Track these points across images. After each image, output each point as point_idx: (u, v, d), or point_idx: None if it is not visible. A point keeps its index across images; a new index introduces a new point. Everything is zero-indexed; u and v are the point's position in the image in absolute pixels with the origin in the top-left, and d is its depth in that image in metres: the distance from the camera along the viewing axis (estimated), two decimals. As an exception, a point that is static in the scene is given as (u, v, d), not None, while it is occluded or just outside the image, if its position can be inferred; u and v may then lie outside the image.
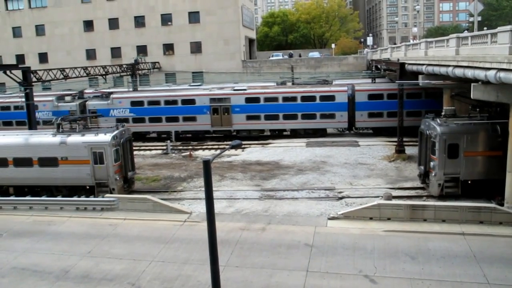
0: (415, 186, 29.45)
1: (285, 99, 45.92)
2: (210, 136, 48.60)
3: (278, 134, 47.78)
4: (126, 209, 26.21)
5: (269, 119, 46.43)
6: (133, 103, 48.97)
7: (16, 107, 51.19)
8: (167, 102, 48.22)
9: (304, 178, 32.26)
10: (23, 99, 51.45)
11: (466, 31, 39.51)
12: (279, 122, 46.45)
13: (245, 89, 47.71)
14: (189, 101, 47.60)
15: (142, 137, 49.13)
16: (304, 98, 45.65)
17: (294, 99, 45.83)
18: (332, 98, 45.23)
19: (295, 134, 46.63)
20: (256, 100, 46.54)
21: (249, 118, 46.73)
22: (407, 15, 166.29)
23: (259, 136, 47.15)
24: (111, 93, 51.26)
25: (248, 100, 46.64)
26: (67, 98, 51.56)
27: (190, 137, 49.22)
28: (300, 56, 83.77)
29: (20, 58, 76.22)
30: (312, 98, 45.53)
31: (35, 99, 51.11)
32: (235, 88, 48.46)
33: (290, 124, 46.46)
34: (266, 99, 46.26)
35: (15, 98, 52.90)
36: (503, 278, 17.06)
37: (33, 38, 77.27)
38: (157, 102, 48.53)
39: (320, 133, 46.41)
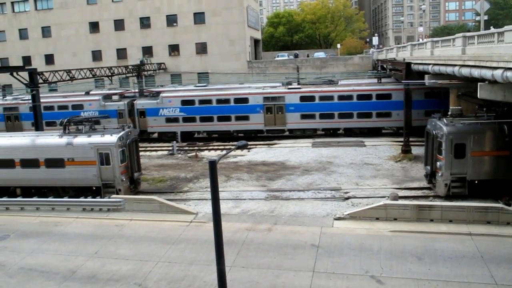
0: (422, 186, 29.33)
1: (341, 97, 45.00)
2: (262, 136, 47.57)
3: (332, 133, 46.97)
4: (132, 210, 26.28)
5: (324, 118, 45.42)
6: (184, 102, 48.04)
7: (60, 107, 50.70)
8: (219, 101, 47.32)
9: (310, 178, 32.22)
10: (66, 99, 51.21)
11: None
12: (334, 121, 45.49)
13: (299, 88, 46.99)
14: (242, 100, 46.76)
15: (191, 137, 48.74)
16: (360, 97, 44.84)
17: (350, 97, 44.94)
18: (388, 96, 44.52)
19: (349, 133, 45.69)
20: (311, 98, 45.64)
21: (303, 117, 45.90)
22: (412, 14, 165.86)
23: (264, 137, 47.02)
24: (159, 92, 50.41)
25: (303, 98, 45.77)
26: (115, 97, 50.75)
27: (196, 137, 49.18)
28: (308, 56, 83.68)
29: (27, 59, 76.75)
30: (369, 97, 44.75)
31: (78, 98, 51.30)
32: (289, 86, 47.60)
33: (345, 123, 45.47)
34: (321, 98, 45.27)
35: (57, 97, 52.71)
36: (511, 279, 16.95)
37: (39, 40, 77.74)
38: (208, 101, 47.64)
39: (375, 132, 45.57)
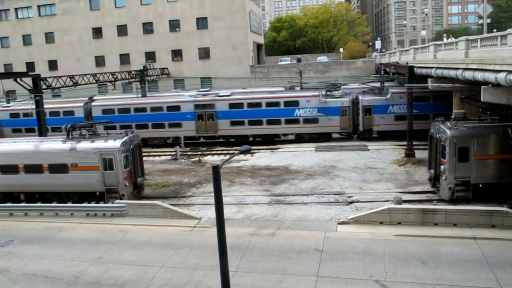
0: (426, 190, 29.26)
1: None
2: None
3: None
4: (136, 215, 26.32)
5: None
6: (417, 99, 41.82)
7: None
8: None
9: (313, 182, 32.17)
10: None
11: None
12: None
13: None
14: None
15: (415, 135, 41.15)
16: None
17: None
18: None
19: None
20: None
21: None
22: (415, 18, 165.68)
23: (268, 142, 46.95)
24: (378, 87, 47.15)
25: None
26: (337, 93, 46.83)
27: (200, 142, 48.97)
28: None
29: (30, 65, 77.03)
30: None
31: (293, 94, 47.18)
32: None
33: None
34: None
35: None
36: (516, 283, 16.86)
37: (43, 46, 78.05)
38: (444, 98, 41.19)
39: None
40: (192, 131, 47.80)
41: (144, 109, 48.82)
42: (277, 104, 46.32)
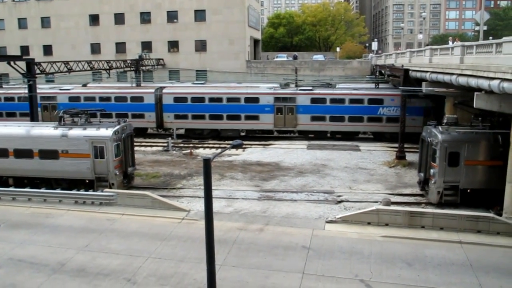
0: (415, 192, 29.43)
1: None
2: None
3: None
4: (124, 205, 26.24)
5: None
6: None
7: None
8: None
9: (303, 180, 32.26)
10: (363, 91, 45.50)
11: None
12: None
13: None
14: None
15: None
16: None
17: None
18: None
19: None
20: None
21: None
22: (413, 21, 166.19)
23: (260, 137, 46.89)
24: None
25: None
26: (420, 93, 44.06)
27: (193, 135, 48.67)
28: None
29: (25, 49, 76.20)
30: None
31: (373, 91, 45.06)
32: None
33: None
34: None
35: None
36: (499, 288, 17.05)
37: (39, 30, 77.35)
38: None
39: None
40: (270, 124, 46.41)
41: (219, 99, 46.96)
42: (360, 101, 44.83)
